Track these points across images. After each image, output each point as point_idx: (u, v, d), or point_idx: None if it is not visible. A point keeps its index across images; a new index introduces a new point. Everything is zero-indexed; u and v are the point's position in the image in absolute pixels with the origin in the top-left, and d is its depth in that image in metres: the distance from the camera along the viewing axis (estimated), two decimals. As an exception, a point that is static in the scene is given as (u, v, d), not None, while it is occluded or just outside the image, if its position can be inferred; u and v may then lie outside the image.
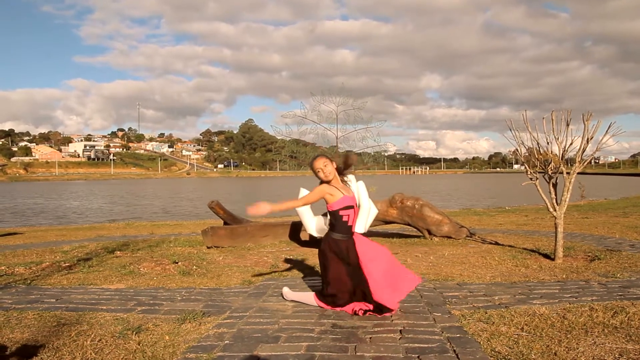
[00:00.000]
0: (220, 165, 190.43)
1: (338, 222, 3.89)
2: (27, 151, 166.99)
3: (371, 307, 3.81)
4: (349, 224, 3.91)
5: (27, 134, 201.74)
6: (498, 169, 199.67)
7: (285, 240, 7.81)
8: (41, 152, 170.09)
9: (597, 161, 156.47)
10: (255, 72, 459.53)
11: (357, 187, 6.40)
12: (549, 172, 6.04)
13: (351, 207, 3.91)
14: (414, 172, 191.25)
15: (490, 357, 2.88)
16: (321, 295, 4.01)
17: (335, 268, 3.89)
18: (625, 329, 3.28)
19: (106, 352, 3.10)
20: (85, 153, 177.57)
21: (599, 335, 3.16)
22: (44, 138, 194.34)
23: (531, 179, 6.18)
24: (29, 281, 5.19)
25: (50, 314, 3.94)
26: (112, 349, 3.15)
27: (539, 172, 6.20)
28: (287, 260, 6.27)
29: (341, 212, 3.88)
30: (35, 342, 3.26)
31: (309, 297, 4.11)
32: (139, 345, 3.20)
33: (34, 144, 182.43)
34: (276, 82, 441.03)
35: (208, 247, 7.39)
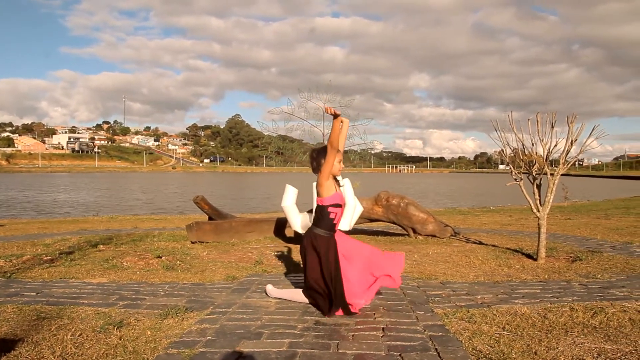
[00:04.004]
0: (206, 160, 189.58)
1: (324, 218, 3.87)
2: (9, 142, 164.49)
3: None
4: (335, 221, 3.90)
5: (10, 124, 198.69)
6: (484, 169, 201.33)
7: (270, 237, 7.79)
8: (24, 143, 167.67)
9: (580, 163, 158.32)
10: (245, 68, 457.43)
11: (343, 185, 6.40)
12: (534, 173, 6.09)
13: (339, 205, 3.91)
14: (400, 171, 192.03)
15: (472, 355, 2.90)
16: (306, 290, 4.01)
17: (312, 264, 3.88)
18: (604, 329, 3.32)
19: (87, 346, 3.07)
20: (69, 145, 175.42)
21: (578, 335, 3.20)
22: (27, 129, 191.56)
23: (516, 179, 6.23)
24: (8, 274, 5.11)
25: (30, 307, 3.89)
26: (92, 343, 3.12)
27: (524, 173, 6.25)
28: (271, 257, 6.26)
29: (330, 209, 3.86)
30: (14, 337, 3.21)
31: (296, 294, 4.10)
32: (120, 340, 3.18)
33: (17, 134, 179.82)
34: (265, 78, 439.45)
35: (192, 242, 7.35)
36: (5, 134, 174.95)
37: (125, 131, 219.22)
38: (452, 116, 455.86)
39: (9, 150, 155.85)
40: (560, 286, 4.57)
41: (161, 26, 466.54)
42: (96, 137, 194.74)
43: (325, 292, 3.81)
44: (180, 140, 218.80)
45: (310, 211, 6.56)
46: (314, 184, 6.16)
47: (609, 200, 20.99)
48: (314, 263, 3.86)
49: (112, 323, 3.48)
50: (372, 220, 8.10)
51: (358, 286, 3.85)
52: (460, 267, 5.54)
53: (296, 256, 6.25)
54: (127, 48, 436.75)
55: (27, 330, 3.34)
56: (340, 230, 4.04)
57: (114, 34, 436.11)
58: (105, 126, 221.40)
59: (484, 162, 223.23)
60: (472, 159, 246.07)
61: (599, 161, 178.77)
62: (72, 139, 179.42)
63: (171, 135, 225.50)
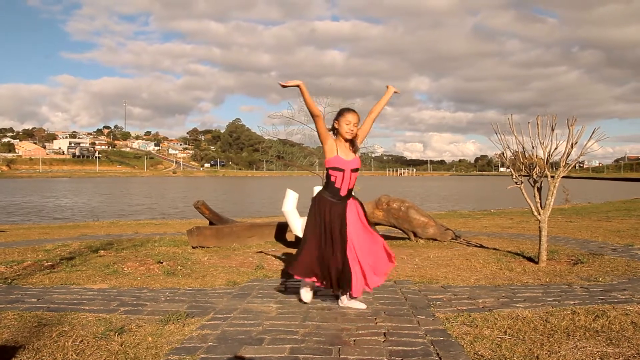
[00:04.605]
0: (206, 165, 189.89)
1: (328, 181, 3.94)
2: (10, 147, 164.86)
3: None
4: (337, 186, 3.90)
5: (11, 130, 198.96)
6: (484, 172, 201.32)
7: (271, 241, 7.78)
8: (25, 148, 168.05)
9: (581, 165, 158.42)
10: (245, 72, 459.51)
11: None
12: (534, 176, 6.08)
13: (340, 170, 3.88)
14: (400, 174, 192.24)
15: (473, 360, 2.89)
16: (292, 260, 4.03)
17: (312, 227, 3.89)
18: (606, 332, 3.31)
19: (88, 353, 3.06)
20: (70, 150, 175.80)
21: (580, 339, 3.20)
22: (28, 134, 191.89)
23: (516, 182, 6.23)
24: (9, 280, 5.11)
25: (31, 314, 3.88)
26: (93, 350, 3.11)
27: (524, 176, 6.25)
28: (272, 261, 6.25)
29: (330, 172, 3.91)
30: (15, 343, 3.21)
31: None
32: (121, 346, 3.17)
33: (18, 140, 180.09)
34: (265, 82, 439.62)
35: (193, 247, 7.34)
36: (6, 140, 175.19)
37: (126, 136, 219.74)
38: (453, 119, 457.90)
39: (9, 155, 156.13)
40: (561, 289, 4.56)
41: (161, 31, 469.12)
42: (97, 142, 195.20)
43: (320, 258, 3.81)
44: (180, 144, 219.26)
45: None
46: (315, 187, 6.16)
47: (610, 203, 20.94)
48: (314, 225, 3.87)
49: (113, 329, 3.48)
50: (372, 224, 8.09)
51: (363, 265, 3.85)
52: (461, 271, 5.53)
53: (297, 261, 6.24)
54: (127, 53, 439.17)
55: (28, 337, 3.33)
56: (356, 201, 4.01)
57: (114, 38, 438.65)
58: (105, 131, 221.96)
59: (484, 164, 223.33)
60: (472, 161, 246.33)
61: (599, 163, 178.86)
62: (72, 144, 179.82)
63: (172, 140, 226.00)
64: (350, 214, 3.93)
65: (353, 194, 4.09)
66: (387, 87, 4.25)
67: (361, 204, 4.08)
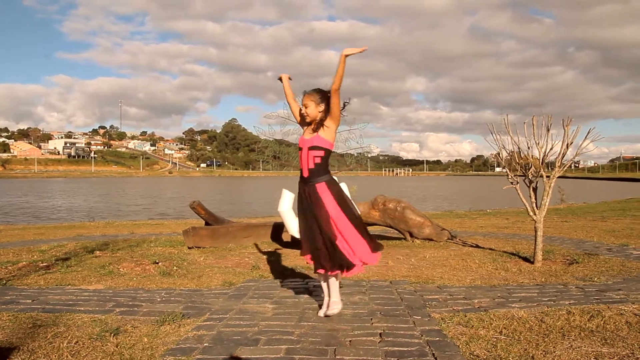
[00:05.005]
0: (202, 165, 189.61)
1: None
2: (5, 147, 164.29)
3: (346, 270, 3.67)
4: (300, 167, 3.79)
5: (6, 130, 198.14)
6: (480, 172, 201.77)
7: (267, 241, 7.77)
8: (20, 148, 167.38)
9: (577, 165, 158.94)
10: (241, 72, 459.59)
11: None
12: (530, 176, 6.10)
13: (300, 149, 3.77)
14: (396, 174, 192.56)
15: (469, 360, 2.90)
16: None
17: (298, 212, 3.89)
18: (601, 332, 3.32)
19: (83, 354, 3.05)
20: (65, 150, 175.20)
21: (575, 339, 3.21)
22: (23, 134, 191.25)
23: (512, 182, 6.24)
24: (4, 281, 5.09)
25: (26, 315, 3.87)
26: (89, 351, 3.11)
27: (520, 176, 6.26)
28: (268, 262, 6.25)
29: (300, 152, 3.82)
30: (10, 345, 3.19)
31: None
32: (116, 347, 3.16)
33: (13, 140, 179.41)
34: (262, 82, 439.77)
35: (189, 248, 7.33)
36: (1, 140, 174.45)
37: (122, 136, 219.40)
38: (449, 119, 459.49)
39: (4, 155, 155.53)
40: (557, 289, 4.57)
41: (157, 31, 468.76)
42: (92, 142, 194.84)
43: (310, 242, 3.72)
44: (176, 144, 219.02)
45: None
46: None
47: (605, 202, 21.01)
48: (298, 210, 3.89)
49: (109, 330, 3.47)
50: (368, 225, 8.08)
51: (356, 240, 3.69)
52: (457, 271, 5.54)
53: (293, 261, 6.25)
54: (123, 53, 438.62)
55: (23, 338, 3.32)
56: (325, 183, 3.68)
57: (110, 38, 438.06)
58: (101, 131, 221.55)
59: (480, 164, 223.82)
60: (468, 161, 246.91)
61: (594, 163, 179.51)
62: (68, 144, 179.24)
63: (167, 140, 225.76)
64: (325, 199, 3.66)
65: (337, 181, 3.80)
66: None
67: (334, 192, 3.71)
